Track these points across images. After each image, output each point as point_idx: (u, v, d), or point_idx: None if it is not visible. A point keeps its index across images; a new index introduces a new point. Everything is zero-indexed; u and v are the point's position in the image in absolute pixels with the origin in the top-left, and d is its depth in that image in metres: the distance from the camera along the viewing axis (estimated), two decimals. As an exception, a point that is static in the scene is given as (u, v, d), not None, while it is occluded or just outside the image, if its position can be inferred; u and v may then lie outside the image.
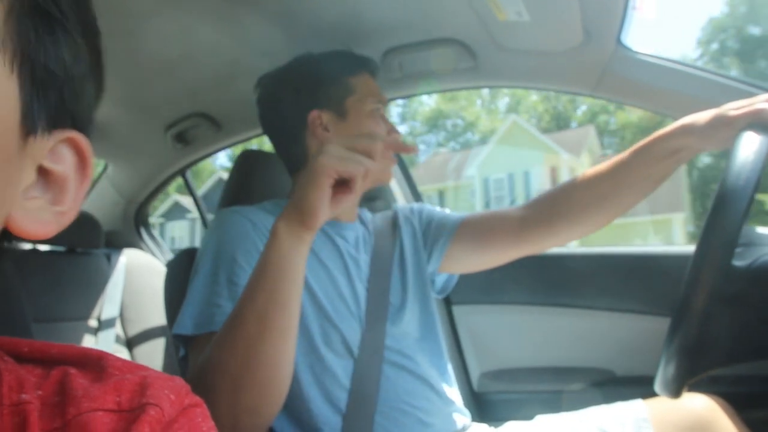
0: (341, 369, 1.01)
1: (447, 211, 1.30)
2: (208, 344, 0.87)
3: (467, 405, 1.21)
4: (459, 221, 1.23)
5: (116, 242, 2.10)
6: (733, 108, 0.90)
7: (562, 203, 1.12)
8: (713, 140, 0.92)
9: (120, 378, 0.38)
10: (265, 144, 1.41)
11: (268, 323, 0.76)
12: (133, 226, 2.26)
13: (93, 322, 1.64)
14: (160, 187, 2.14)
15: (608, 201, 1.07)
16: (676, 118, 1.00)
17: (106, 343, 1.59)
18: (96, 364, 0.40)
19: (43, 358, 0.40)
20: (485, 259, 1.22)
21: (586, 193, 1.08)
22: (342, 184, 0.77)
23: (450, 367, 1.19)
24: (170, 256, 2.20)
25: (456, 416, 1.11)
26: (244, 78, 1.44)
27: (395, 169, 1.85)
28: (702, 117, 0.94)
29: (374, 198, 1.68)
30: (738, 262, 0.79)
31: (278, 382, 0.79)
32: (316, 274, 1.05)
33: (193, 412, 0.40)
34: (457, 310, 1.77)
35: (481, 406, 1.72)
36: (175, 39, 1.25)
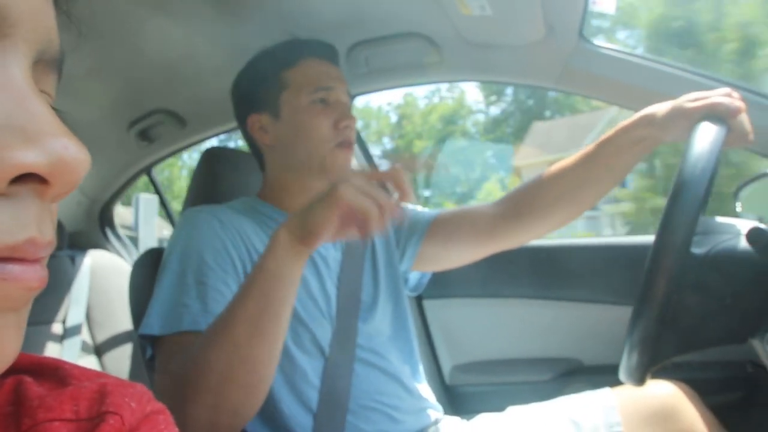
0: (312, 368, 1.00)
1: (419, 208, 1.30)
2: (175, 344, 0.86)
3: (439, 398, 1.22)
4: (431, 219, 1.23)
5: (80, 243, 2.06)
6: (690, 100, 0.92)
7: (532, 198, 1.13)
8: (672, 131, 0.95)
9: (78, 386, 0.37)
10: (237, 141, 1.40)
11: (259, 328, 0.76)
12: (97, 226, 2.21)
13: (57, 327, 1.60)
14: (125, 186, 2.10)
15: (577, 193, 1.08)
16: (638, 111, 1.01)
17: (71, 351, 1.56)
18: (52, 372, 0.39)
19: None
20: (458, 256, 1.22)
21: (554, 187, 1.10)
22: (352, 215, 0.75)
23: (420, 365, 1.19)
24: (136, 256, 2.17)
25: (428, 412, 1.11)
26: (208, 74, 1.43)
27: (362, 160, 1.85)
28: (662, 108, 0.96)
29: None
30: (696, 250, 0.81)
31: (262, 385, 0.79)
32: None
33: (155, 419, 0.39)
34: (428, 305, 1.77)
35: (453, 399, 1.73)
36: (138, 35, 1.22)
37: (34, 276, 0.27)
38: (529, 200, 1.14)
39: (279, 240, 0.77)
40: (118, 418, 0.36)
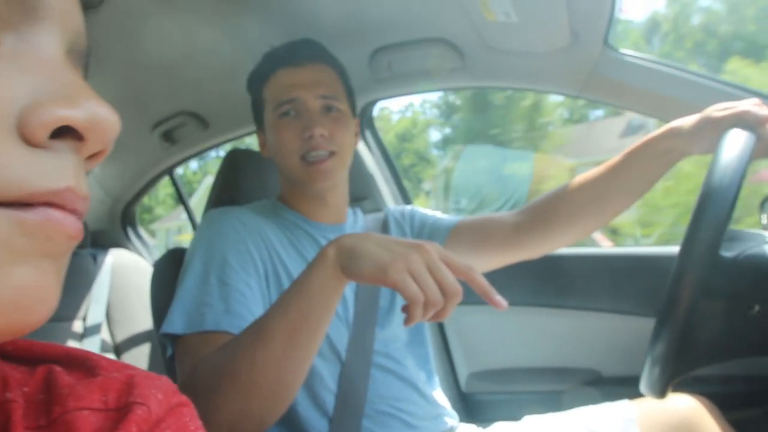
0: (328, 372, 1.00)
1: (439, 214, 1.29)
2: (197, 343, 0.87)
3: (455, 405, 1.21)
4: (451, 226, 1.22)
5: (102, 242, 2.08)
6: (718, 110, 0.91)
7: (556, 208, 1.12)
8: (700, 142, 0.94)
9: (106, 377, 0.38)
10: (255, 143, 1.41)
11: (295, 342, 0.76)
12: (119, 226, 2.24)
13: (78, 324, 1.62)
14: (148, 186, 2.13)
15: (601, 204, 1.07)
16: (662, 120, 1.00)
17: (91, 349, 1.56)
18: (81, 363, 0.39)
19: (28, 357, 0.39)
20: (477, 264, 1.21)
21: (579, 197, 1.09)
22: None
23: (436, 371, 1.19)
24: (157, 256, 2.19)
25: (443, 418, 1.11)
26: (232, 77, 1.43)
27: (383, 166, 1.85)
28: (689, 120, 0.96)
29: (362, 198, 1.67)
30: (726, 253, 0.80)
31: (290, 395, 0.79)
32: None
33: (180, 411, 0.39)
34: (446, 311, 1.76)
35: (469, 407, 1.72)
36: (164, 38, 1.24)
37: (74, 225, 0.29)
38: (551, 210, 1.13)
39: (327, 258, 0.76)
40: (146, 409, 0.36)
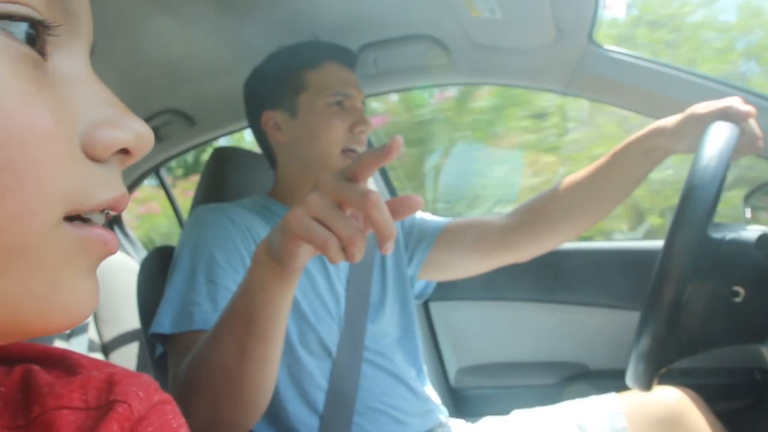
0: (318, 369, 1.00)
1: (428, 215, 1.30)
2: (187, 343, 0.86)
3: (444, 400, 1.22)
4: (440, 228, 1.22)
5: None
6: (702, 107, 0.92)
7: (544, 210, 1.13)
8: (684, 139, 0.95)
9: (86, 375, 0.37)
10: (244, 140, 1.40)
11: (246, 350, 0.72)
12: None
13: (64, 324, 1.61)
14: (134, 185, 2.11)
15: (589, 205, 1.09)
16: (647, 116, 1.01)
17: (78, 349, 1.55)
18: (60, 361, 0.39)
19: (5, 357, 0.38)
20: (466, 266, 1.22)
21: (566, 199, 1.10)
22: None
23: (425, 367, 1.19)
24: (144, 254, 2.17)
25: (433, 414, 1.11)
26: (217, 74, 1.43)
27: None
28: (673, 118, 0.97)
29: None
30: (714, 234, 0.80)
31: (259, 401, 0.77)
32: None
33: (163, 409, 0.39)
34: (435, 306, 1.77)
35: (458, 402, 1.73)
36: (148, 36, 1.23)
37: (115, 242, 0.34)
38: (540, 212, 1.14)
39: (258, 259, 0.70)
40: (127, 407, 0.36)
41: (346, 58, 1.17)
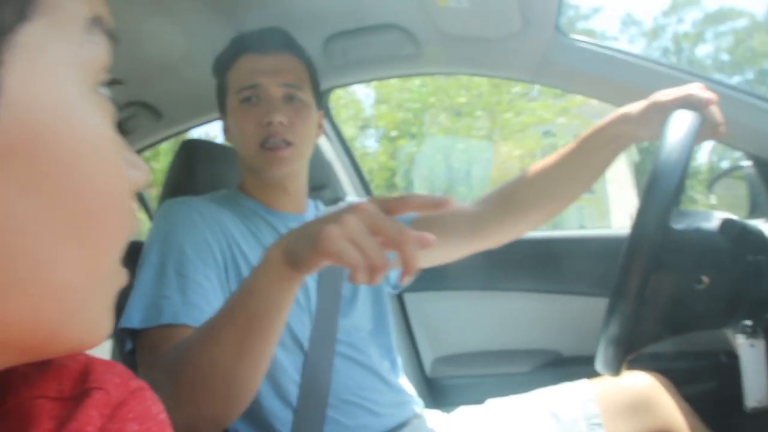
0: (291, 363, 1.00)
1: None
2: (157, 337, 0.85)
3: (420, 391, 1.22)
4: (409, 221, 1.22)
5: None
6: (664, 94, 0.93)
7: (512, 197, 1.14)
8: (647, 126, 0.96)
9: (60, 365, 0.37)
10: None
11: (245, 348, 0.72)
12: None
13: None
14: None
15: (556, 191, 1.10)
16: (613, 105, 1.02)
17: None
18: None
19: None
20: (438, 255, 1.21)
21: (534, 186, 1.11)
22: None
23: (399, 359, 1.19)
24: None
25: (408, 405, 1.11)
26: (182, 66, 1.41)
27: (343, 157, 1.84)
28: (637, 105, 0.98)
29: (321, 187, 1.66)
30: (677, 225, 0.82)
31: (246, 397, 0.76)
32: None
33: (142, 395, 0.38)
34: (409, 297, 1.78)
35: (434, 392, 1.74)
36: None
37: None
38: (510, 199, 1.14)
39: (270, 259, 0.70)
40: (104, 392, 0.35)
41: (257, 44, 1.10)
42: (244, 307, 0.72)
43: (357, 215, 0.63)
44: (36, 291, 0.29)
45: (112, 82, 0.35)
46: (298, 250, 0.66)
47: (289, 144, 1.06)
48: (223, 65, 1.13)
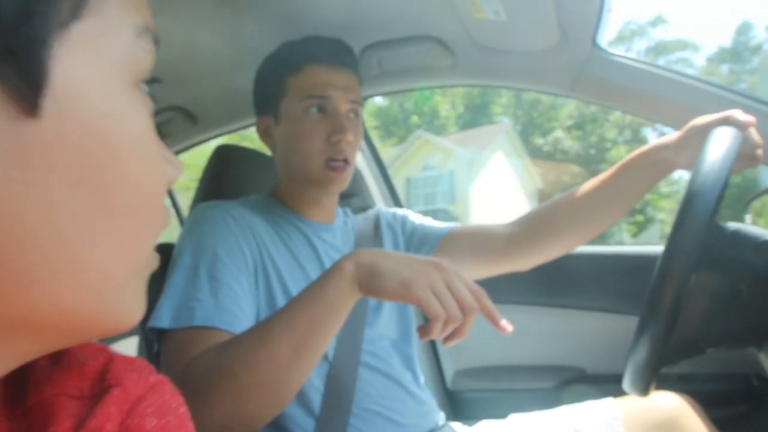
0: (315, 372, 0.99)
1: (429, 221, 1.29)
2: (186, 339, 0.86)
3: (441, 403, 1.22)
4: (442, 235, 1.22)
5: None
6: (703, 118, 0.94)
7: (548, 220, 1.14)
8: (686, 151, 0.97)
9: (82, 364, 0.37)
10: (246, 138, 1.39)
11: (301, 351, 0.75)
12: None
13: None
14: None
15: (593, 216, 1.10)
16: (651, 120, 1.01)
17: None
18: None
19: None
20: (466, 273, 1.21)
21: (572, 210, 1.11)
22: None
23: (420, 369, 1.19)
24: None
25: (429, 416, 1.11)
26: (219, 72, 1.43)
27: (372, 164, 1.85)
28: (676, 133, 0.99)
29: (350, 195, 1.67)
30: (723, 224, 0.81)
31: (288, 399, 0.78)
32: (294, 275, 1.03)
33: (161, 389, 0.39)
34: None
35: (455, 404, 1.73)
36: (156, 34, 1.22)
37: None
38: (545, 221, 1.15)
39: (344, 272, 0.76)
40: (122, 389, 0.36)
41: (333, 56, 1.11)
42: (307, 314, 0.76)
43: (440, 272, 0.74)
44: (75, 278, 0.30)
45: (152, 81, 0.36)
46: (381, 285, 0.74)
47: (347, 163, 1.08)
48: (286, 68, 1.11)
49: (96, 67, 0.30)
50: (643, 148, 1.04)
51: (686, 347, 0.82)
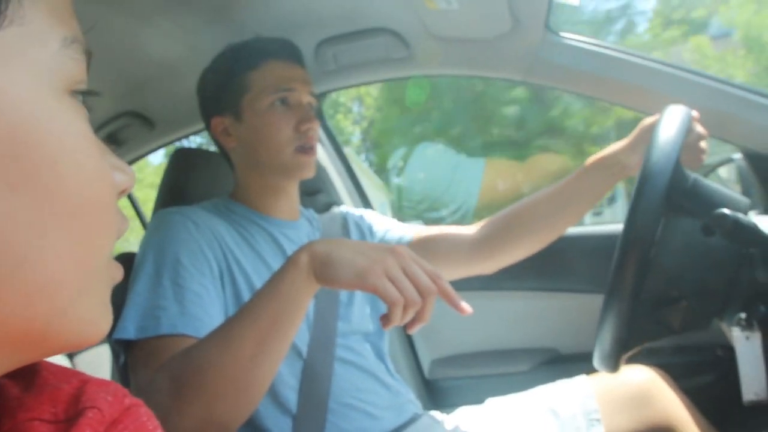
0: (289, 370, 0.99)
1: (392, 225, 1.30)
2: (153, 348, 0.84)
3: (419, 392, 1.22)
4: (405, 241, 1.24)
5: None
6: (650, 118, 1.01)
7: (513, 223, 1.18)
8: (637, 151, 1.03)
9: (55, 387, 0.37)
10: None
11: (264, 348, 0.75)
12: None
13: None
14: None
15: (556, 218, 1.15)
16: (606, 102, 1.03)
17: None
18: (29, 373, 0.38)
19: None
20: None
21: (537, 213, 1.16)
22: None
23: (393, 361, 1.19)
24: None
25: (407, 407, 1.11)
26: (175, 75, 1.40)
27: (335, 160, 1.84)
28: (628, 137, 1.06)
29: (315, 192, 1.66)
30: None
31: (256, 400, 0.78)
32: (261, 275, 1.02)
33: (137, 411, 0.39)
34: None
35: (433, 393, 1.73)
36: (102, 37, 1.19)
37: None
38: (510, 224, 1.18)
39: (299, 263, 0.76)
40: (97, 411, 0.36)
41: (289, 53, 1.14)
42: (267, 309, 0.75)
43: (395, 258, 0.73)
44: (25, 285, 0.30)
45: (89, 93, 0.36)
46: (336, 274, 0.73)
47: (314, 150, 1.11)
48: (244, 64, 1.11)
49: (20, 74, 0.30)
50: (601, 152, 1.09)
51: (652, 330, 0.84)
